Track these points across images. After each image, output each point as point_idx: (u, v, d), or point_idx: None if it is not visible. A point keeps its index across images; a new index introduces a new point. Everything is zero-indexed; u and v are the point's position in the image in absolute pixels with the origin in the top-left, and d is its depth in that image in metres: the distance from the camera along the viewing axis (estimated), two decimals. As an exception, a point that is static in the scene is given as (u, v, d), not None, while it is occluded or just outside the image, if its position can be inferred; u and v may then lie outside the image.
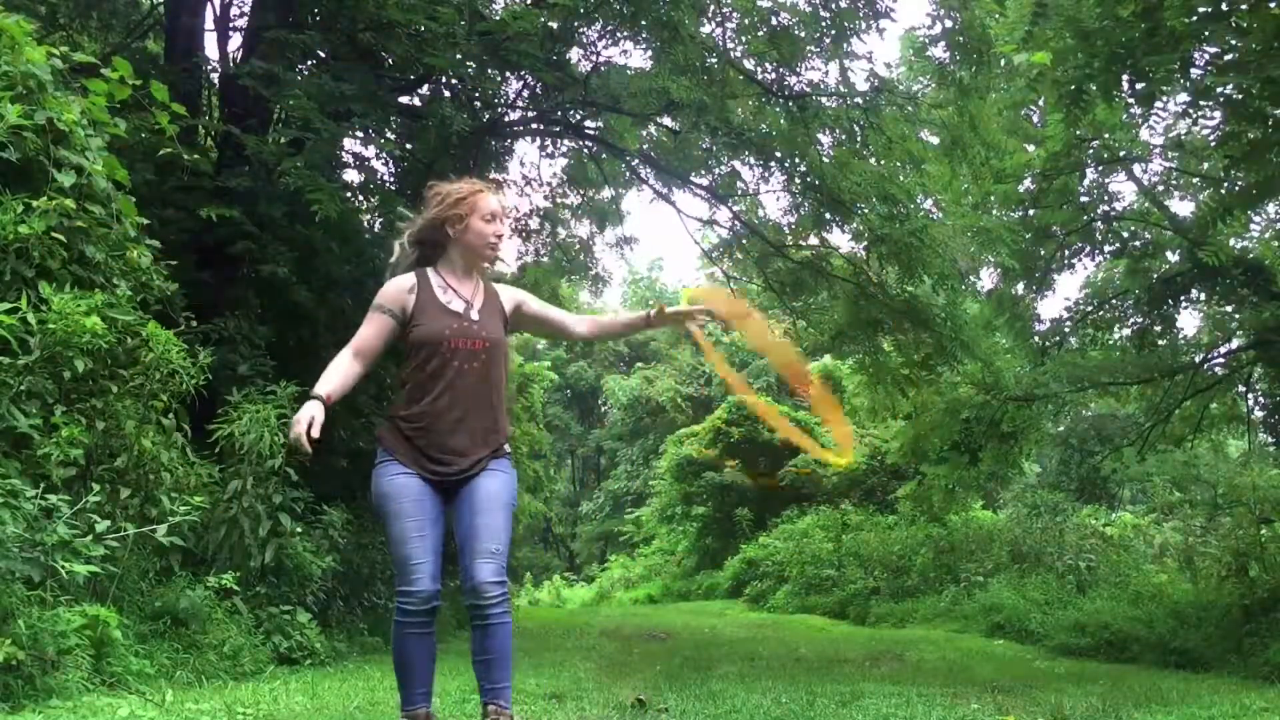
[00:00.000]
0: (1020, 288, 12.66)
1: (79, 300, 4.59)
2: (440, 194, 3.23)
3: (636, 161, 11.44)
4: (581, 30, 9.42)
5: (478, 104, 9.52)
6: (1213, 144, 7.69)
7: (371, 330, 3.17)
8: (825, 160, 9.43)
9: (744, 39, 9.41)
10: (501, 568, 3.04)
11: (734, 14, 9.38)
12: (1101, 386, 11.87)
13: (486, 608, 3.01)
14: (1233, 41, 5.96)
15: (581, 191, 12.90)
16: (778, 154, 9.70)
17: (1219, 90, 6.20)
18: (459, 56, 7.98)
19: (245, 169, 7.83)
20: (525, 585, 23.85)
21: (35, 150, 4.77)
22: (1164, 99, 6.73)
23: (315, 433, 2.96)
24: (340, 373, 3.12)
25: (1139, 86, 6.39)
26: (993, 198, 11.42)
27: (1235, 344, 12.00)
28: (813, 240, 10.96)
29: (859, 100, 9.36)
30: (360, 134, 8.34)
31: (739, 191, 10.99)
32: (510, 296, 3.31)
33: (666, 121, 10.14)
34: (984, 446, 12.60)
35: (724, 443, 20.95)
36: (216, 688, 4.67)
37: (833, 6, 9.05)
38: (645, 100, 8.88)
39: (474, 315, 3.16)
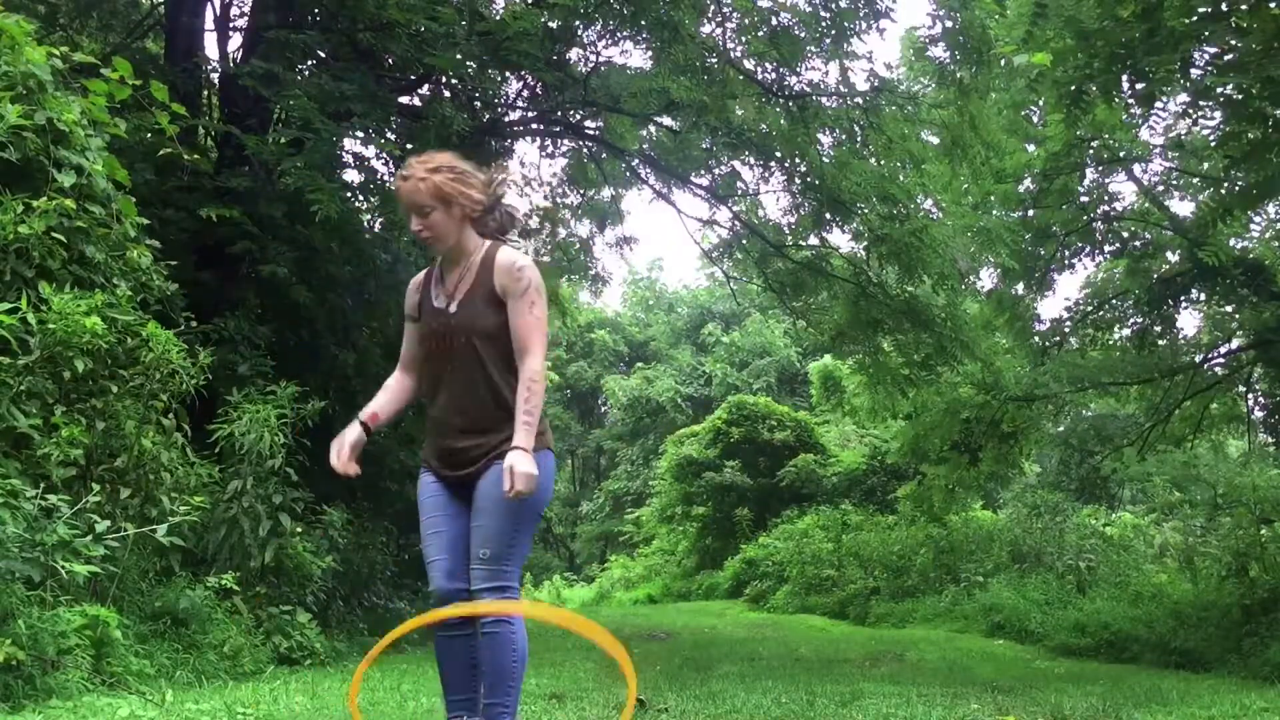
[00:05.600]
0: (1020, 288, 12.66)
1: (79, 300, 4.59)
2: None
3: (636, 161, 11.44)
4: (581, 30, 9.42)
5: (478, 104, 9.52)
6: (1213, 144, 7.68)
7: (406, 338, 3.10)
8: (825, 160, 9.44)
9: (744, 39, 9.42)
10: (495, 572, 2.82)
11: (734, 14, 9.38)
12: (1101, 386, 11.87)
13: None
14: (1233, 41, 5.96)
15: (581, 191, 12.89)
16: (778, 154, 9.71)
17: (1219, 90, 6.20)
18: (459, 56, 7.98)
19: (245, 169, 7.83)
20: (525, 585, 23.83)
21: (35, 150, 4.77)
22: (1164, 99, 6.75)
23: (345, 455, 2.94)
24: (385, 390, 3.08)
25: (1139, 86, 6.40)
26: (993, 198, 11.42)
27: (1235, 344, 12.01)
28: (813, 240, 10.97)
29: (859, 100, 9.37)
30: (360, 134, 8.34)
31: (739, 191, 10.99)
32: (502, 277, 2.91)
33: (666, 121, 10.14)
34: (984, 446, 12.61)
35: (724, 443, 20.93)
36: (216, 688, 4.67)
37: (833, 6, 9.06)
38: (645, 100, 8.89)
39: (452, 309, 2.93)
